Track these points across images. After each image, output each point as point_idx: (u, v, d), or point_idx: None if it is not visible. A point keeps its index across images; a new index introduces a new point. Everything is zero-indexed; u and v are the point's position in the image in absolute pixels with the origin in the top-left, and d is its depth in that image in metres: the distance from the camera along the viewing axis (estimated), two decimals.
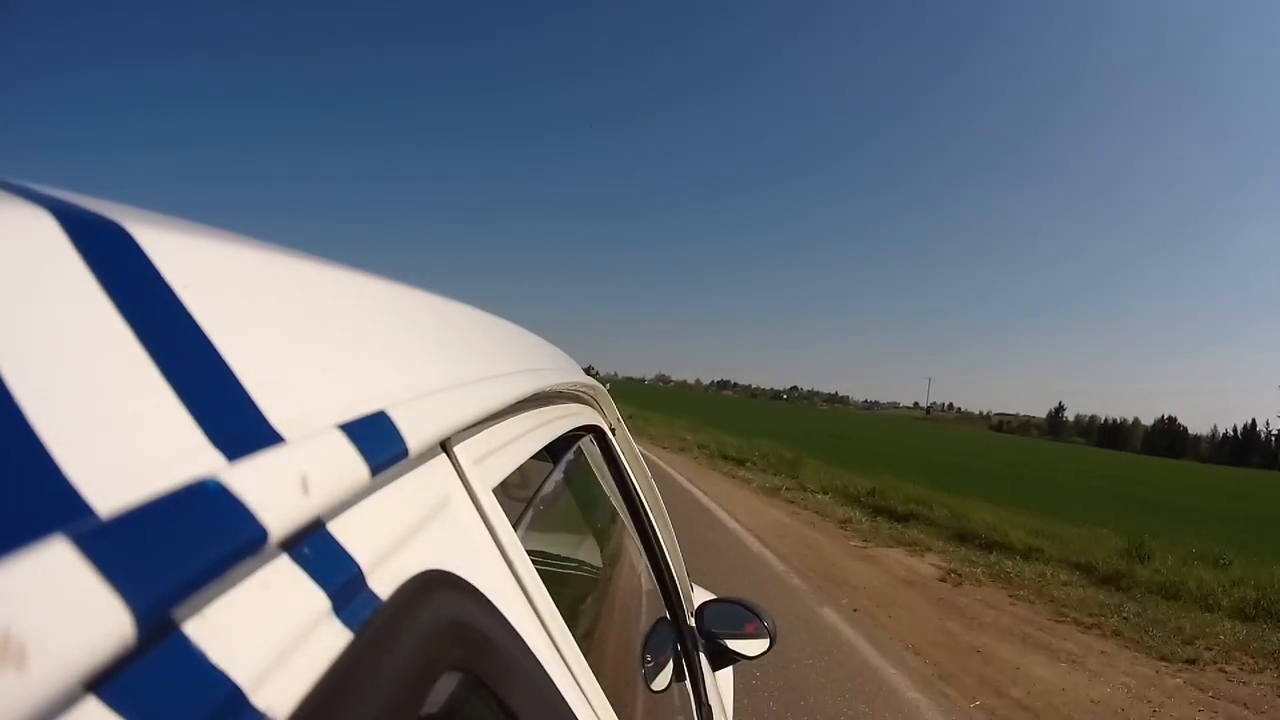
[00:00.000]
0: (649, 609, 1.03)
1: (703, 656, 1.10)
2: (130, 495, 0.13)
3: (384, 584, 0.23)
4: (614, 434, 1.02)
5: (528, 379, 0.48)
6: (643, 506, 1.06)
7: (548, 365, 0.63)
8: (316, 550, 0.20)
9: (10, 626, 0.10)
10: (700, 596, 1.29)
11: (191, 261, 0.20)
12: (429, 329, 0.37)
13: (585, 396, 0.86)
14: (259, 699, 0.16)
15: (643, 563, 1.05)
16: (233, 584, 0.16)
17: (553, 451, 0.72)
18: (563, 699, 0.36)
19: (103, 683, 0.12)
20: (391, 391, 0.26)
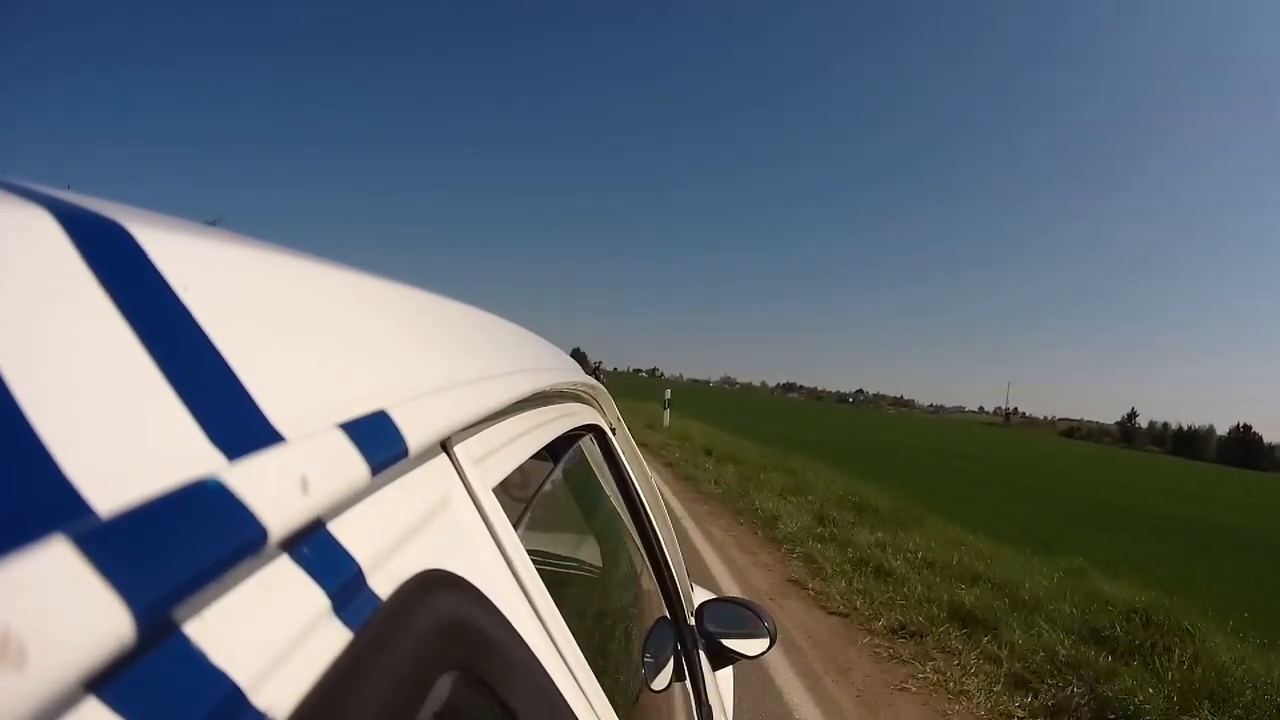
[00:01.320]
0: (649, 609, 1.03)
1: (703, 656, 1.10)
2: (130, 495, 0.13)
3: (384, 584, 0.23)
4: (614, 434, 1.02)
5: (528, 379, 0.48)
6: (643, 506, 1.06)
7: (548, 365, 0.63)
8: (316, 550, 0.20)
9: (10, 626, 0.10)
10: (700, 596, 1.29)
11: (191, 261, 0.20)
12: (429, 328, 0.37)
13: (585, 396, 0.86)
14: (259, 699, 0.16)
15: (643, 562, 1.05)
16: (233, 584, 0.16)
17: (553, 451, 0.72)
18: (563, 699, 0.36)
19: (103, 683, 0.12)
20: (391, 391, 0.26)
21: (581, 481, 0.94)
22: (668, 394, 15.17)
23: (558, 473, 0.73)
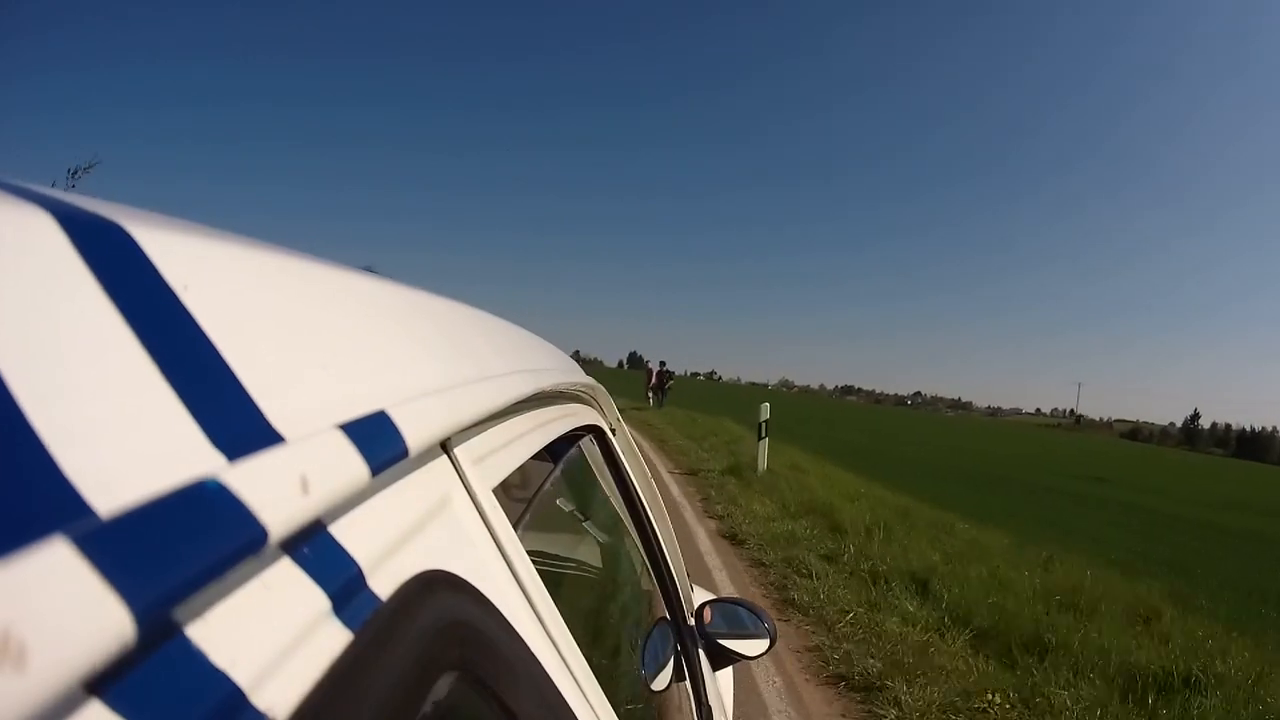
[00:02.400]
0: (649, 609, 1.03)
1: (703, 656, 1.10)
2: (130, 495, 0.13)
3: (384, 584, 0.23)
4: (614, 434, 1.02)
5: (528, 379, 0.48)
6: (643, 506, 1.06)
7: (548, 365, 0.63)
8: (316, 550, 0.20)
9: (10, 626, 0.10)
10: (700, 596, 1.29)
11: (191, 261, 0.20)
12: (429, 329, 0.37)
13: (585, 396, 0.86)
14: (259, 699, 0.16)
15: (642, 563, 1.05)
16: (233, 584, 0.16)
17: (553, 451, 0.72)
18: (563, 699, 0.36)
19: (103, 683, 0.12)
20: (392, 391, 0.26)
21: (581, 482, 0.94)
22: (764, 413, 7.78)
23: (558, 473, 0.73)
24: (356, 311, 0.29)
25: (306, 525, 0.19)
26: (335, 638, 0.19)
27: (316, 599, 0.19)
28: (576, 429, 0.75)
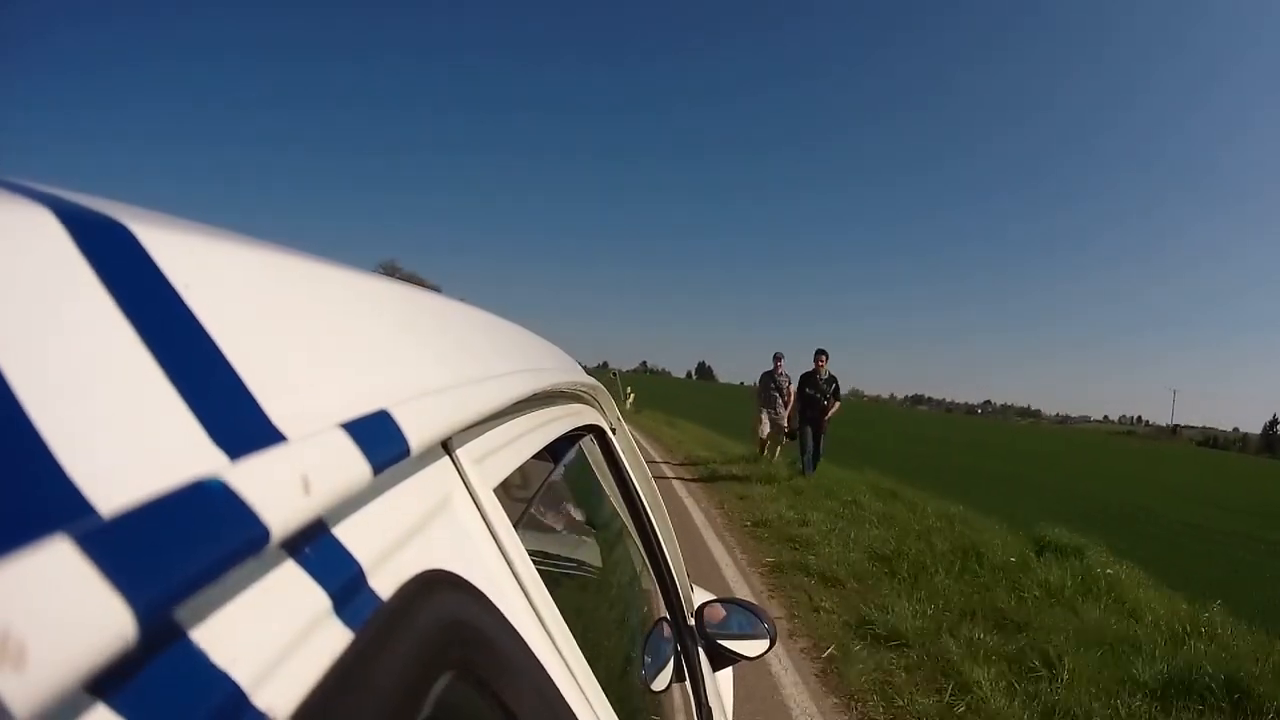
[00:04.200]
0: (649, 609, 1.03)
1: (703, 656, 1.10)
2: (132, 494, 0.13)
3: (385, 584, 0.23)
4: (614, 434, 1.02)
5: (528, 379, 0.48)
6: (643, 506, 1.06)
7: (548, 365, 0.63)
8: (318, 550, 0.20)
9: (10, 626, 0.10)
10: (700, 596, 1.29)
11: (193, 260, 0.20)
12: (430, 329, 0.37)
13: (586, 396, 0.86)
14: (260, 699, 0.16)
15: (643, 563, 1.05)
16: (234, 584, 0.16)
17: (553, 451, 0.72)
18: (563, 699, 0.36)
19: (103, 683, 0.12)
20: (393, 391, 0.26)
21: (581, 481, 0.94)
22: None
23: (558, 473, 0.73)
24: (358, 311, 0.29)
25: (308, 524, 0.19)
26: (336, 637, 0.19)
27: (317, 598, 0.19)
28: (577, 429, 0.75)
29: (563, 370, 0.69)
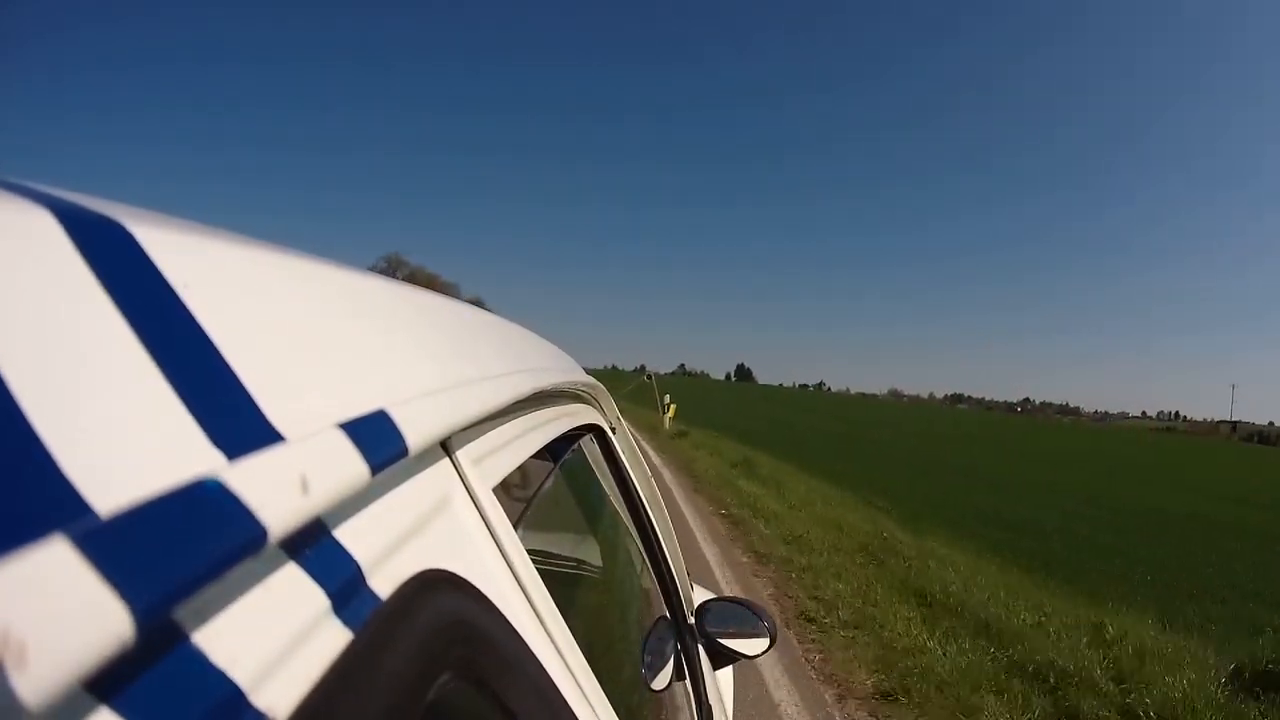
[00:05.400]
0: (649, 608, 1.03)
1: (703, 655, 1.11)
2: (130, 495, 0.13)
3: (384, 583, 0.23)
4: (614, 433, 1.02)
5: (528, 378, 0.48)
6: (643, 506, 1.06)
7: (548, 365, 0.63)
8: (316, 550, 0.20)
9: (10, 626, 0.10)
10: (700, 596, 1.29)
11: (192, 261, 0.20)
12: (429, 328, 0.37)
13: (585, 396, 0.86)
14: (259, 699, 0.16)
15: (643, 562, 1.06)
16: (232, 584, 0.16)
17: (553, 451, 0.72)
18: (563, 699, 0.36)
19: (103, 683, 0.12)
20: (392, 391, 0.26)
21: (581, 481, 0.94)
22: None
23: (558, 473, 0.73)
24: (357, 311, 0.29)
25: (306, 524, 0.19)
26: (335, 637, 0.19)
27: (316, 598, 0.19)
28: (576, 428, 0.75)
29: (562, 370, 0.69)
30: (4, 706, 0.10)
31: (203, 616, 0.15)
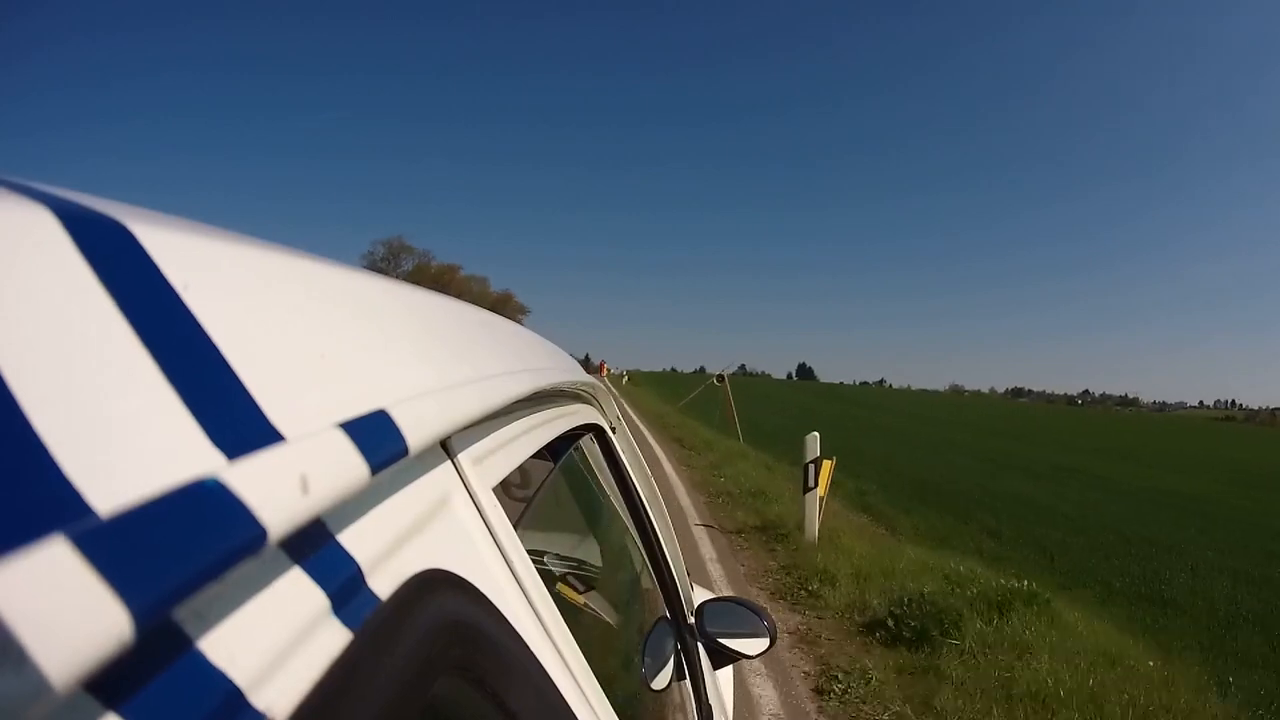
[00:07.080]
0: (649, 608, 1.03)
1: (703, 655, 1.11)
2: (130, 495, 0.13)
3: (384, 583, 0.23)
4: (614, 433, 1.02)
5: (528, 378, 0.48)
6: (642, 506, 1.06)
7: (548, 364, 0.63)
8: (316, 550, 0.20)
9: (10, 626, 0.10)
10: (700, 596, 1.29)
11: (192, 260, 0.20)
12: (429, 328, 0.37)
13: (585, 395, 0.86)
14: (258, 699, 0.16)
15: (642, 562, 1.06)
16: (232, 584, 0.16)
17: (553, 451, 0.72)
18: (563, 699, 0.36)
19: (102, 683, 0.12)
20: (392, 390, 0.26)
21: (581, 481, 0.94)
22: None
23: (558, 473, 0.73)
24: (357, 311, 0.29)
25: (306, 524, 0.19)
26: (335, 637, 0.19)
27: (316, 598, 0.19)
28: (576, 428, 0.75)
29: (562, 370, 0.69)
30: (4, 707, 0.10)
31: (202, 616, 0.15)
